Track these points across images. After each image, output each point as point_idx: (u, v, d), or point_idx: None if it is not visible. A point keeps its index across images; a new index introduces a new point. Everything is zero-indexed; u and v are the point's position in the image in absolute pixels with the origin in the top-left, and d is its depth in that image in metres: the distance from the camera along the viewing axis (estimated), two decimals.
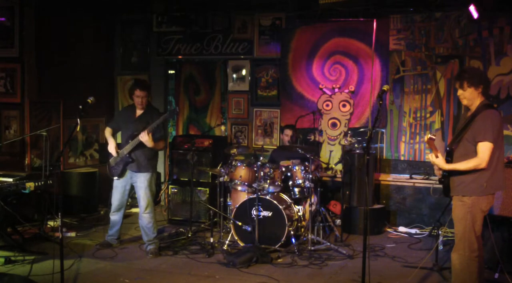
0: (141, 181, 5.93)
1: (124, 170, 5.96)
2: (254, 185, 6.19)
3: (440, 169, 4.33)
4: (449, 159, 4.25)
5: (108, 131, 6.14)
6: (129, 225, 7.07)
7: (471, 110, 4.30)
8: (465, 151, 4.17)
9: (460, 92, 4.26)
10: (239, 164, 6.42)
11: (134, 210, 7.76)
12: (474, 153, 4.13)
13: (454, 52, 7.11)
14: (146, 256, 5.90)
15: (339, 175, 7.57)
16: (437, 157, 4.18)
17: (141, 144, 5.80)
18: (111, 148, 5.97)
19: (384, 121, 7.48)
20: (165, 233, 6.79)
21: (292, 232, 6.07)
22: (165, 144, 6.03)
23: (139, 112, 6.01)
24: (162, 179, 8.58)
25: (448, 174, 4.28)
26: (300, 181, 6.40)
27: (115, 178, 6.03)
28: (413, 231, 7.00)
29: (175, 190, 7.38)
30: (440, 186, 4.42)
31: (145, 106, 5.98)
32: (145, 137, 5.65)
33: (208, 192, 7.25)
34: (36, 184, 5.97)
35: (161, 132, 5.96)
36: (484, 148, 4.09)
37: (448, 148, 4.28)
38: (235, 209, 6.25)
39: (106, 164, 6.18)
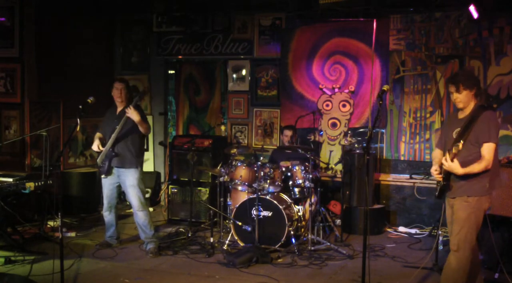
0: (129, 180, 5.93)
1: (110, 167, 5.95)
2: (254, 185, 6.19)
3: (442, 172, 4.29)
4: None
5: (97, 135, 6.16)
6: (129, 224, 7.08)
7: (464, 112, 4.29)
8: (468, 153, 4.15)
9: (455, 95, 4.25)
10: (239, 164, 6.42)
11: None
12: (477, 155, 4.13)
13: (454, 52, 7.11)
14: (146, 255, 5.90)
15: (339, 175, 7.58)
16: (452, 161, 4.08)
17: (123, 136, 5.84)
18: (94, 145, 6.00)
19: (384, 121, 7.48)
20: (165, 232, 6.79)
21: (292, 232, 6.07)
22: (150, 128, 6.11)
23: (119, 108, 6.04)
24: (162, 179, 8.59)
25: (448, 176, 4.25)
26: (300, 181, 6.40)
27: (103, 176, 6.04)
28: (413, 231, 7.00)
29: (175, 190, 7.38)
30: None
31: (124, 100, 6.00)
32: (130, 110, 5.67)
33: (208, 192, 7.25)
34: (36, 184, 5.97)
35: (143, 114, 5.95)
36: (490, 149, 4.12)
37: (449, 151, 4.21)
38: (235, 209, 6.25)
39: (96, 167, 6.21)
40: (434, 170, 4.37)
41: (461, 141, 3.97)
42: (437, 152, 4.55)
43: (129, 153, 5.93)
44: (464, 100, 4.25)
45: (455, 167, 4.08)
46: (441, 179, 4.29)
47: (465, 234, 4.20)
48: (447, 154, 4.09)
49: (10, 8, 7.26)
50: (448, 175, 4.24)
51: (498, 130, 4.20)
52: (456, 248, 4.24)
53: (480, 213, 4.22)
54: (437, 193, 4.39)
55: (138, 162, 6.02)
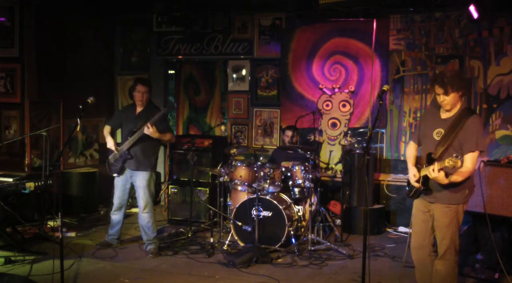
0: (140, 180, 5.94)
1: (123, 167, 5.97)
2: (254, 185, 6.19)
3: (421, 178, 4.23)
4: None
5: (106, 129, 6.16)
6: (129, 225, 7.07)
7: (448, 113, 4.21)
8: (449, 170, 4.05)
9: (443, 97, 4.13)
10: (239, 164, 6.42)
11: (134, 210, 7.75)
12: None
13: (454, 52, 7.10)
14: (146, 256, 5.90)
15: (339, 175, 7.58)
16: (439, 171, 3.99)
17: (140, 140, 5.83)
18: (111, 145, 6.00)
19: (384, 121, 7.48)
20: (165, 233, 6.79)
21: (292, 232, 6.08)
22: (174, 136, 6.17)
23: (139, 109, 6.03)
24: (162, 179, 8.59)
25: (427, 182, 4.20)
26: (300, 181, 6.40)
27: (115, 175, 6.04)
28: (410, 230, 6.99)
29: (175, 190, 7.38)
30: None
31: (145, 103, 6.00)
32: (150, 130, 5.66)
33: (208, 192, 7.25)
34: (36, 184, 5.97)
35: (165, 124, 6.00)
36: (474, 158, 4.08)
37: (432, 156, 4.15)
38: (235, 209, 6.26)
39: (106, 164, 6.20)
40: (413, 175, 4.27)
41: (460, 158, 3.82)
42: (411, 147, 4.47)
43: (144, 156, 5.93)
44: (451, 103, 4.14)
45: (441, 179, 4.00)
46: (418, 186, 4.22)
47: (450, 238, 4.20)
48: (436, 165, 3.99)
49: (10, 8, 7.26)
50: (426, 180, 4.18)
51: (484, 136, 4.15)
52: (442, 255, 4.24)
53: (460, 217, 4.24)
54: (411, 194, 4.34)
55: (151, 164, 6.01)
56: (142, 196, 5.95)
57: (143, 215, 5.98)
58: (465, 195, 4.20)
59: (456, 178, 4.05)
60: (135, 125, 5.88)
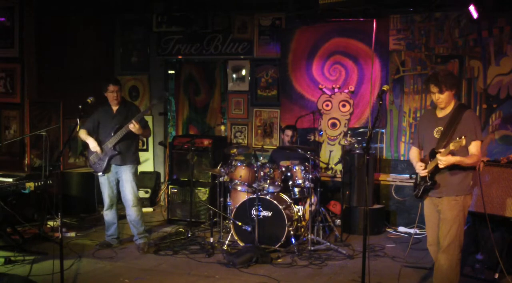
0: (127, 174, 5.99)
1: (109, 164, 5.99)
2: (254, 185, 6.19)
3: (428, 171, 4.31)
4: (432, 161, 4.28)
5: (83, 133, 6.09)
6: (128, 224, 7.06)
7: (444, 111, 4.35)
8: (454, 152, 4.18)
9: (438, 96, 4.28)
10: (239, 164, 6.42)
11: None
12: (462, 153, 4.18)
13: (454, 52, 7.10)
14: (137, 251, 5.92)
15: (339, 175, 7.58)
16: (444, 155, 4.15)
17: (125, 137, 5.88)
18: (94, 146, 5.99)
19: (384, 121, 7.48)
20: (165, 232, 6.79)
21: (292, 232, 6.07)
22: (150, 132, 6.43)
23: (115, 108, 6.07)
24: (162, 179, 8.59)
25: (433, 176, 4.29)
26: (300, 181, 6.40)
27: (100, 174, 6.05)
28: (413, 231, 7.00)
29: (175, 190, 7.39)
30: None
31: (120, 101, 6.05)
32: (136, 126, 5.75)
33: (208, 192, 7.25)
34: (36, 184, 5.98)
35: (144, 120, 6.08)
36: (478, 146, 4.23)
37: (436, 151, 4.25)
38: (235, 209, 6.25)
39: (88, 165, 6.25)
40: (420, 166, 4.37)
41: (463, 137, 3.98)
42: (414, 151, 4.59)
43: (130, 151, 6.03)
44: (446, 100, 4.30)
45: (447, 158, 4.09)
46: (427, 174, 4.31)
47: (455, 232, 4.26)
48: (442, 151, 4.12)
49: (10, 8, 7.26)
50: (433, 174, 4.29)
51: (481, 128, 4.28)
52: (446, 248, 4.27)
53: (466, 211, 4.34)
54: (419, 193, 4.42)
55: (136, 157, 6.13)
56: (130, 190, 5.99)
57: (133, 209, 6.01)
58: (470, 185, 4.30)
59: (464, 159, 4.15)
60: (116, 122, 5.94)
